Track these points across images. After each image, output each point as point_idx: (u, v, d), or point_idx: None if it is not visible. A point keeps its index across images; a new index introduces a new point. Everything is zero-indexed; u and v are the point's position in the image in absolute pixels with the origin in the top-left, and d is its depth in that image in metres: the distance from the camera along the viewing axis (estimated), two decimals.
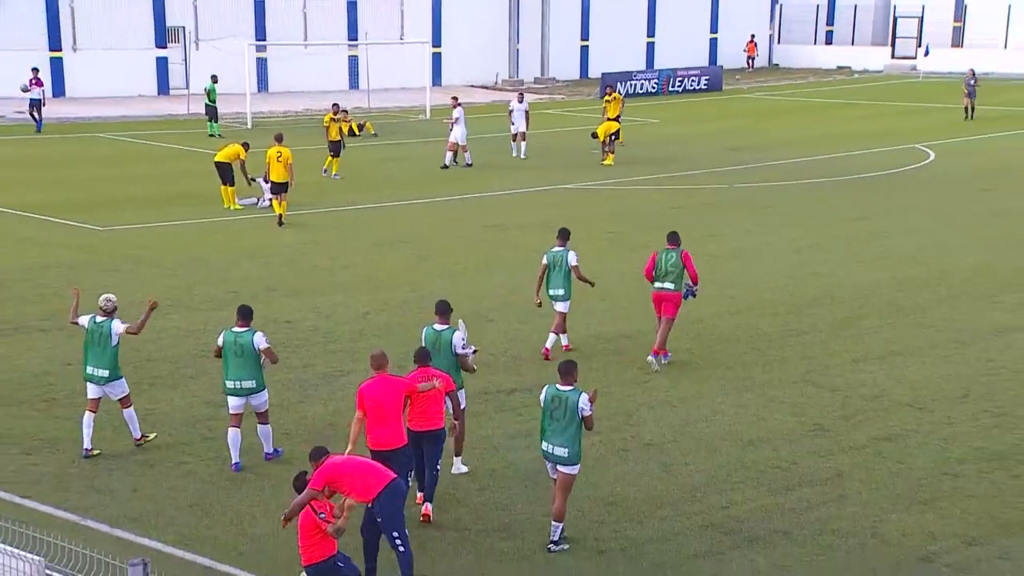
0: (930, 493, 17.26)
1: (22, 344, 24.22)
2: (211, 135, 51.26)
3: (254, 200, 37.21)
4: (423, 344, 17.32)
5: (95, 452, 18.50)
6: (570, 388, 15.33)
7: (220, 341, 18.08)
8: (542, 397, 15.64)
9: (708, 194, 40.65)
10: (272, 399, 19.02)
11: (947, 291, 27.83)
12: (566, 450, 15.32)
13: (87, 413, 18.52)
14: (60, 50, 65.60)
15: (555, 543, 15.53)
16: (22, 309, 26.57)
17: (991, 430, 19.63)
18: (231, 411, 18.14)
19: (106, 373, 18.33)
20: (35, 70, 54.34)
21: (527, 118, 47.68)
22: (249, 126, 52.61)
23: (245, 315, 18.17)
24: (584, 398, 15.18)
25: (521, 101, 48.24)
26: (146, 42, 67.51)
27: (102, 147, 51.27)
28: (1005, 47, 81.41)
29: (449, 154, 44.94)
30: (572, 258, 23.09)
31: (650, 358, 22.65)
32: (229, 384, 18.01)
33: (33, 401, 21.06)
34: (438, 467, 16.69)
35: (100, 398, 18.56)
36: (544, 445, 15.53)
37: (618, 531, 16.07)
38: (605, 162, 46.08)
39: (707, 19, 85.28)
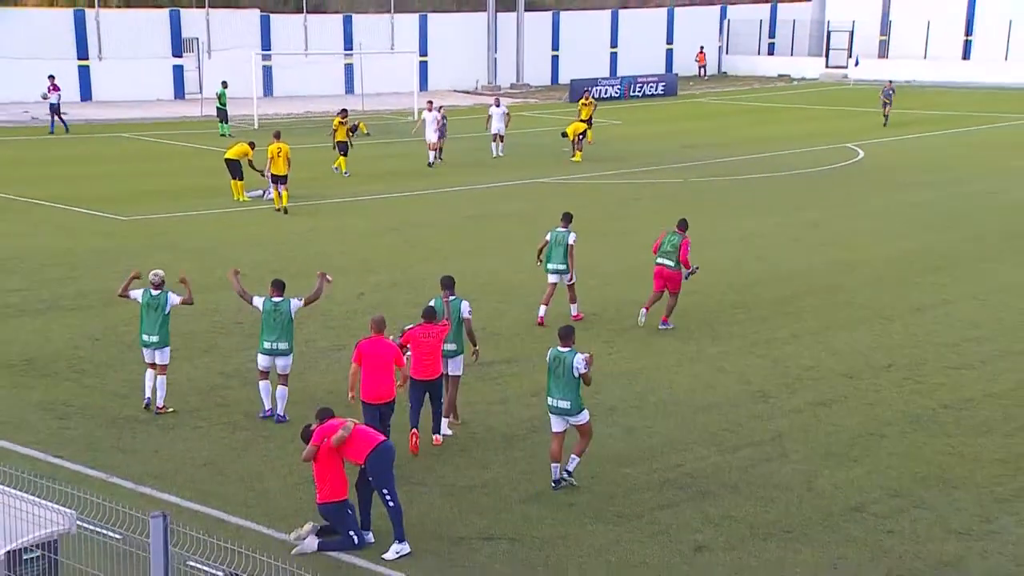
0: (859, 451, 17.44)
1: (55, 321, 24.20)
2: (222, 135, 51.08)
3: (260, 192, 37.17)
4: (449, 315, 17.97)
5: (168, 409, 18.93)
6: (568, 349, 15.89)
7: (260, 306, 18.59)
8: (547, 358, 16.12)
9: (665, 187, 40.72)
10: (299, 348, 19.25)
11: (874, 273, 27.98)
12: (568, 402, 15.86)
13: (148, 370, 19.01)
14: (87, 59, 65.22)
15: (568, 474, 16.16)
16: (55, 289, 26.54)
17: (912, 396, 19.81)
18: (260, 368, 18.68)
19: (156, 339, 18.70)
20: (51, 77, 53.87)
21: (507, 120, 47.55)
22: (256, 127, 52.41)
23: (279, 287, 18.72)
24: (579, 358, 15.72)
25: (498, 106, 47.96)
26: (164, 52, 67.14)
27: (125, 146, 51.09)
28: (925, 57, 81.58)
29: (431, 152, 44.69)
30: (571, 238, 23.67)
31: (641, 315, 23.64)
32: (266, 344, 18.46)
33: (65, 372, 21.08)
34: (442, 402, 17.81)
35: (165, 363, 19.00)
36: (549, 400, 16.06)
37: (585, 486, 16.17)
38: (574, 159, 45.95)
39: (663, 32, 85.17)
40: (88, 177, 41.84)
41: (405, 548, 14.19)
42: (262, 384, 18.73)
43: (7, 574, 9.42)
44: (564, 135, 47.18)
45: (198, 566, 9.77)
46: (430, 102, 46.39)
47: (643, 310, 23.74)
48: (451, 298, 18.24)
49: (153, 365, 18.94)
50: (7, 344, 22.57)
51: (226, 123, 52.64)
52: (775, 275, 27.28)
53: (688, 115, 63.81)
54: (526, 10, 77.43)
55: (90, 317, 24.44)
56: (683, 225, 24.04)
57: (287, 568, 9.50)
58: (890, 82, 60.01)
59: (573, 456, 16.27)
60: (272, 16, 70.93)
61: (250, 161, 36.66)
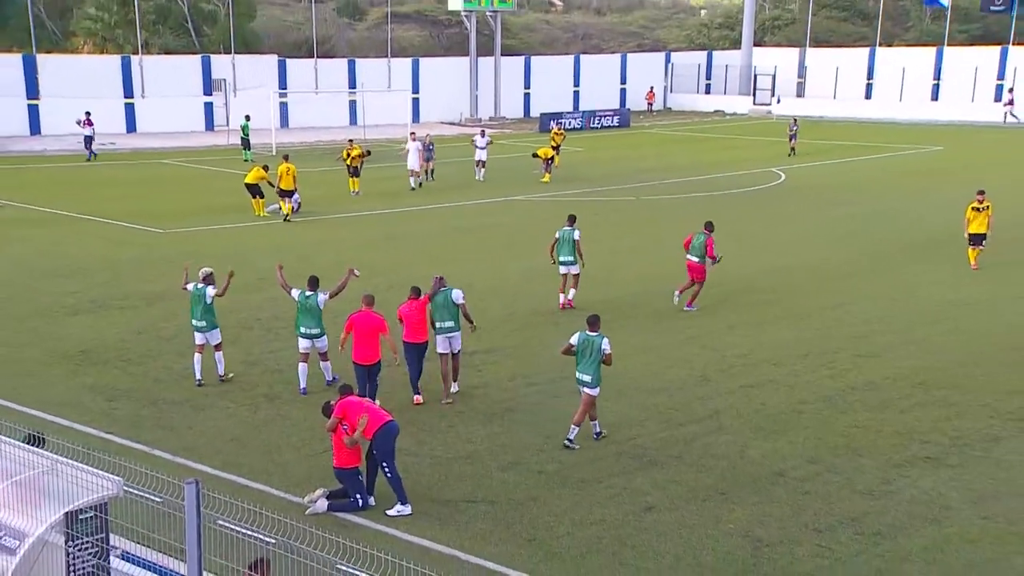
0: (781, 426, 17.52)
1: (104, 318, 24.16)
2: (245, 160, 50.89)
3: (277, 207, 37.10)
4: (434, 301, 18.69)
5: (202, 382, 19.42)
6: (596, 334, 16.51)
7: (295, 296, 19.20)
8: (575, 340, 16.71)
9: (620, 204, 40.79)
10: (294, 357, 19.20)
11: (797, 277, 28.11)
12: (590, 377, 16.48)
13: (196, 354, 19.50)
14: (132, 97, 65.29)
15: (598, 433, 16.91)
16: (104, 291, 26.52)
17: (825, 379, 19.90)
18: (300, 350, 19.12)
19: (204, 324, 19.32)
20: (87, 113, 53.90)
21: (487, 149, 47.29)
22: (273, 153, 52.19)
23: (313, 283, 19.22)
24: (606, 341, 16.46)
25: (483, 136, 47.66)
26: (196, 91, 67.25)
27: (163, 170, 50.96)
28: (834, 97, 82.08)
29: (412, 178, 44.11)
30: (577, 235, 24.55)
31: (676, 297, 25.02)
32: (302, 329, 19.00)
33: (114, 361, 21.06)
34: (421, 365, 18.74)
35: (204, 344, 19.44)
36: (577, 375, 16.67)
37: (553, 457, 16.22)
38: (544, 180, 46.00)
39: (618, 73, 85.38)
40: (132, 197, 41.80)
41: (407, 509, 14.23)
42: (301, 367, 19.11)
43: (67, 531, 9.45)
44: (535, 155, 47.40)
45: (226, 525, 9.74)
46: (412, 133, 45.96)
47: (677, 292, 25.03)
48: (443, 288, 18.75)
49: (202, 348, 19.47)
50: (65, 338, 22.59)
51: (248, 150, 52.52)
52: (715, 278, 27.26)
53: (639, 144, 63.93)
54: (502, 55, 77.45)
55: (134, 315, 24.47)
56: (709, 227, 25.12)
57: (302, 527, 9.49)
58: (794, 119, 59.81)
59: (573, 427, 16.66)
60: (288, 60, 71.09)
61: (268, 181, 36.92)
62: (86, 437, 16.16)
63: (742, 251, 29.70)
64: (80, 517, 9.50)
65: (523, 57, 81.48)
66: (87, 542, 9.49)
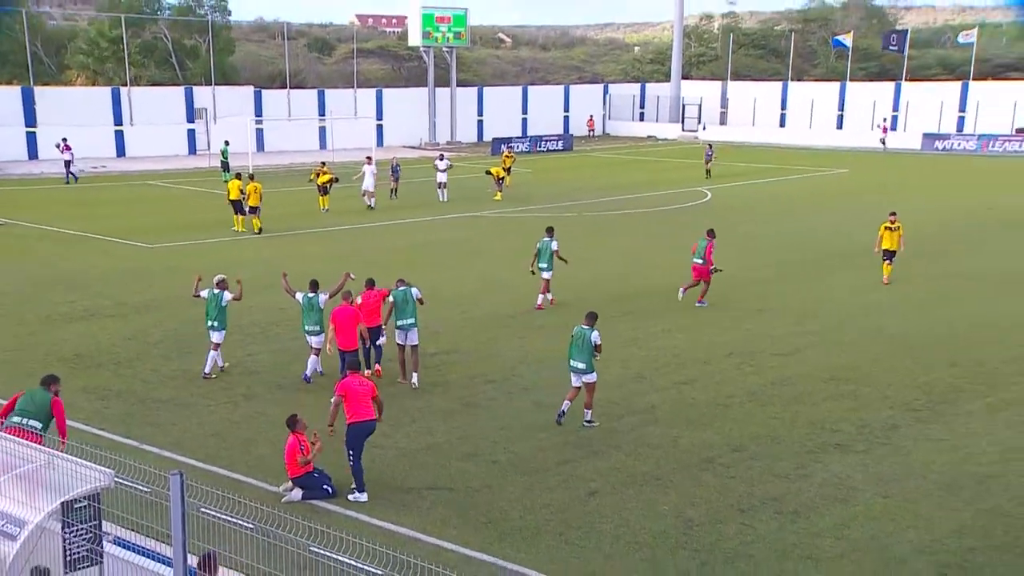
0: (709, 418, 17.60)
1: (97, 325, 23.85)
2: (224, 181, 50.45)
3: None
4: (394, 301, 19.30)
5: (212, 376, 19.78)
6: (588, 327, 16.93)
7: (299, 298, 19.78)
8: (574, 332, 17.17)
9: (563, 218, 40.78)
10: (277, 356, 19.05)
11: (724, 284, 28.16)
12: (583, 364, 16.84)
13: (210, 351, 19.90)
14: (122, 124, 64.86)
15: (588, 422, 17.07)
16: (97, 301, 26.18)
17: (748, 376, 20.01)
18: (313, 346, 19.64)
19: (217, 323, 19.76)
20: (64, 139, 53.45)
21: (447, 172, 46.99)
22: (250, 174, 52.05)
23: (314, 285, 19.80)
24: (595, 334, 16.85)
25: (443, 159, 47.32)
26: (180, 119, 66.91)
27: (150, 191, 50.41)
28: (753, 125, 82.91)
29: (369, 199, 43.26)
30: (555, 245, 25.17)
31: (680, 293, 25.88)
32: (307, 327, 19.62)
33: (106, 364, 20.80)
34: (381, 346, 19.69)
35: (219, 342, 19.91)
36: (571, 362, 17.03)
37: (506, 448, 16.19)
38: (496, 198, 46.01)
39: (561, 102, 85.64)
40: (122, 215, 41.35)
41: (363, 497, 14.17)
42: (312, 358, 19.61)
43: (63, 519, 9.41)
44: (488, 173, 47.57)
45: (209, 512, 9.65)
46: (368, 157, 45.03)
47: (681, 290, 25.89)
48: (403, 287, 19.44)
49: (216, 347, 19.90)
50: (61, 343, 22.29)
51: (227, 172, 51.97)
52: (649, 286, 27.48)
53: (581, 165, 64.15)
54: (458, 86, 77.52)
55: (124, 322, 24.16)
56: (711, 233, 26.11)
57: (278, 513, 9.42)
58: (710, 144, 59.75)
59: (586, 411, 17.10)
60: (263, 91, 70.83)
61: (241, 190, 36.97)
62: (80, 434, 15.92)
63: (673, 261, 29.81)
64: (75, 506, 9.46)
65: (476, 88, 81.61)
66: (81, 529, 9.47)
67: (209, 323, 19.83)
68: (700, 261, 25.58)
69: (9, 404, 13.55)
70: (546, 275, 25.23)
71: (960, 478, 15.03)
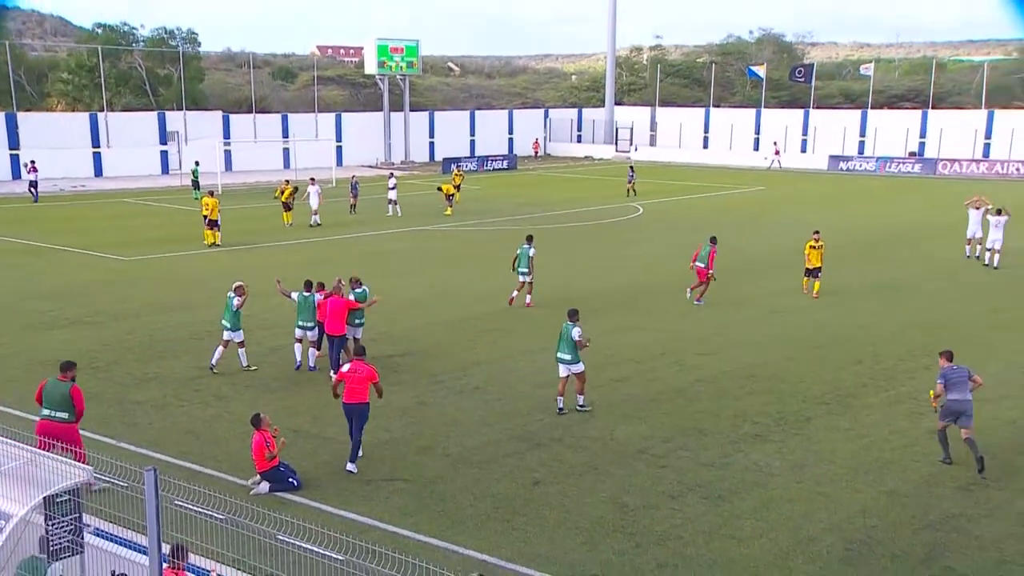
0: (643, 412, 17.67)
1: (77, 332, 23.42)
2: (195, 198, 49.91)
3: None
4: (355, 300, 19.87)
5: (216, 371, 19.96)
6: (571, 324, 17.30)
7: (295, 297, 20.14)
8: (562, 328, 17.51)
9: (509, 232, 40.85)
10: (238, 363, 18.83)
11: (653, 290, 28.43)
12: (569, 356, 17.27)
13: (219, 347, 20.09)
14: (99, 147, 63.84)
15: (582, 407, 17.59)
16: (76, 310, 25.70)
17: (676, 374, 20.14)
18: (296, 338, 20.23)
19: (229, 325, 19.91)
20: (32, 161, 52.69)
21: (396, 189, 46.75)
22: (219, 193, 51.43)
23: (308, 285, 20.11)
24: (575, 330, 17.20)
25: (392, 178, 47.29)
26: (153, 141, 66.02)
27: (126, 208, 49.60)
28: (679, 146, 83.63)
29: (313, 216, 42.11)
30: (532, 252, 25.87)
31: (688, 293, 26.85)
32: (300, 322, 19.99)
33: (85, 368, 20.24)
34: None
35: (229, 340, 19.97)
36: (558, 354, 17.50)
37: (457, 442, 16.13)
38: (446, 213, 45.88)
39: (506, 125, 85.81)
40: (100, 230, 40.68)
41: (352, 467, 14.70)
42: (298, 346, 20.20)
43: (45, 513, 9.31)
44: (439, 189, 47.45)
45: (183, 504, 9.53)
46: (312, 179, 44.13)
47: (689, 290, 26.89)
48: (358, 289, 20.13)
49: (227, 344, 19.97)
50: (43, 349, 21.84)
51: (198, 190, 51.39)
52: (589, 290, 27.56)
53: (525, 183, 64.25)
54: (411, 110, 77.19)
55: (102, 329, 23.75)
56: (713, 240, 26.94)
57: (247, 505, 9.30)
58: (631, 167, 58.83)
59: (579, 396, 17.57)
60: (231, 115, 70.05)
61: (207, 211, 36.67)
62: None
63: (610, 269, 29.99)
64: (57, 500, 9.38)
65: (428, 112, 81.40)
66: (63, 522, 9.37)
67: (223, 323, 20.13)
68: (703, 265, 26.34)
69: (38, 392, 13.90)
70: (523, 278, 25.87)
71: (864, 464, 15.26)
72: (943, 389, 15.12)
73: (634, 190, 54.85)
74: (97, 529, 10.05)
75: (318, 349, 20.35)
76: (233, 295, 19.91)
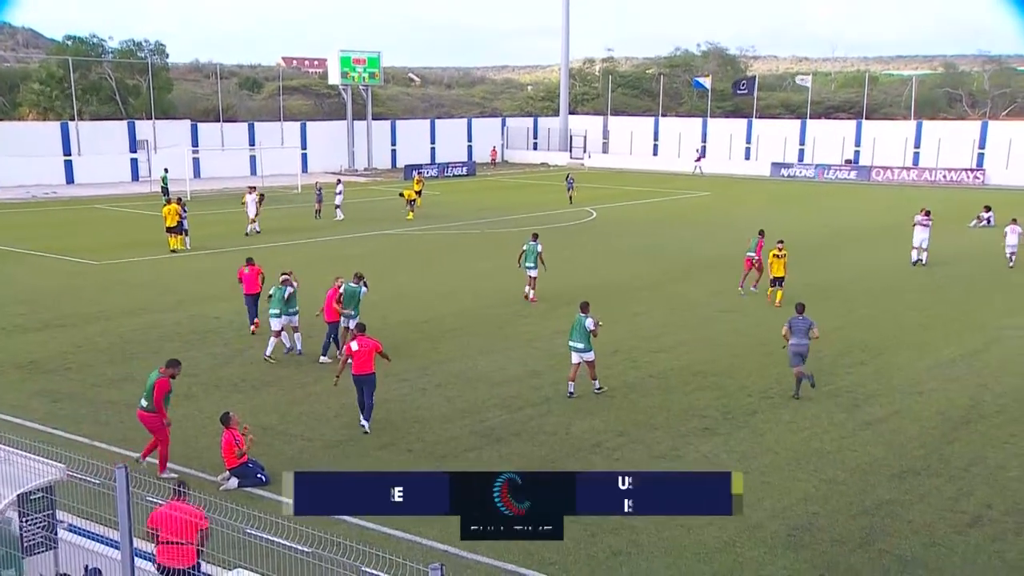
0: (595, 408, 17.75)
1: (49, 335, 23.05)
2: (164, 205, 49.26)
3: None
4: (344, 294, 20.47)
5: (273, 359, 20.62)
6: (584, 315, 18.01)
7: (272, 291, 20.82)
8: (575, 319, 18.14)
9: (469, 235, 40.91)
10: (213, 359, 18.59)
11: (606, 290, 28.48)
12: (582, 345, 17.96)
13: (271, 338, 20.80)
14: (71, 155, 62.92)
15: (599, 389, 18.39)
16: (50, 312, 25.32)
17: (629, 371, 20.26)
18: (273, 328, 20.63)
19: (288, 311, 20.80)
20: None
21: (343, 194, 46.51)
22: (188, 199, 50.83)
23: (286, 280, 20.88)
24: (589, 320, 17.87)
25: (339, 183, 47.07)
26: (123, 149, 65.15)
27: (97, 214, 48.86)
28: (631, 154, 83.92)
29: (249, 225, 40.24)
30: (539, 247, 26.77)
31: (740, 289, 27.92)
32: (274, 311, 20.52)
33: (57, 369, 20.12)
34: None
35: (282, 328, 20.74)
36: (570, 343, 18.22)
37: (420, 437, 16.12)
38: (408, 217, 45.73)
39: (465, 133, 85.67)
40: (72, 235, 40.07)
41: (365, 424, 16.13)
42: (273, 340, 20.71)
43: (19, 509, 9.20)
44: (401, 195, 47.40)
45: (154, 501, 9.43)
46: (251, 187, 42.52)
47: (744, 284, 27.99)
48: (353, 284, 20.71)
49: (278, 334, 20.72)
50: (16, 351, 21.51)
51: (167, 196, 50.70)
52: (545, 291, 27.59)
53: (483, 189, 64.23)
54: (373, 119, 76.93)
55: (74, 332, 23.39)
56: (761, 233, 28.28)
57: (217, 501, 9.22)
58: (569, 175, 57.77)
59: (593, 381, 18.28)
60: (199, 124, 69.26)
61: (179, 214, 35.87)
62: (35, 432, 15.43)
63: (565, 270, 30.07)
64: (31, 498, 9.28)
65: (390, 121, 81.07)
66: (37, 518, 9.28)
67: (272, 313, 20.67)
68: (751, 254, 27.79)
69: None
70: (532, 272, 26.60)
71: (805, 454, 15.46)
72: (788, 332, 18.35)
73: (572, 198, 53.89)
74: (70, 525, 9.95)
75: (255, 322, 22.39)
76: (284, 286, 20.66)
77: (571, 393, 18.11)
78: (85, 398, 18.20)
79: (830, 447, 15.79)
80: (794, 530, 12.70)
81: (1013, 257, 33.35)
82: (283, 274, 21.33)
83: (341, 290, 20.51)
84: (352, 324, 19.57)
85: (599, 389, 18.36)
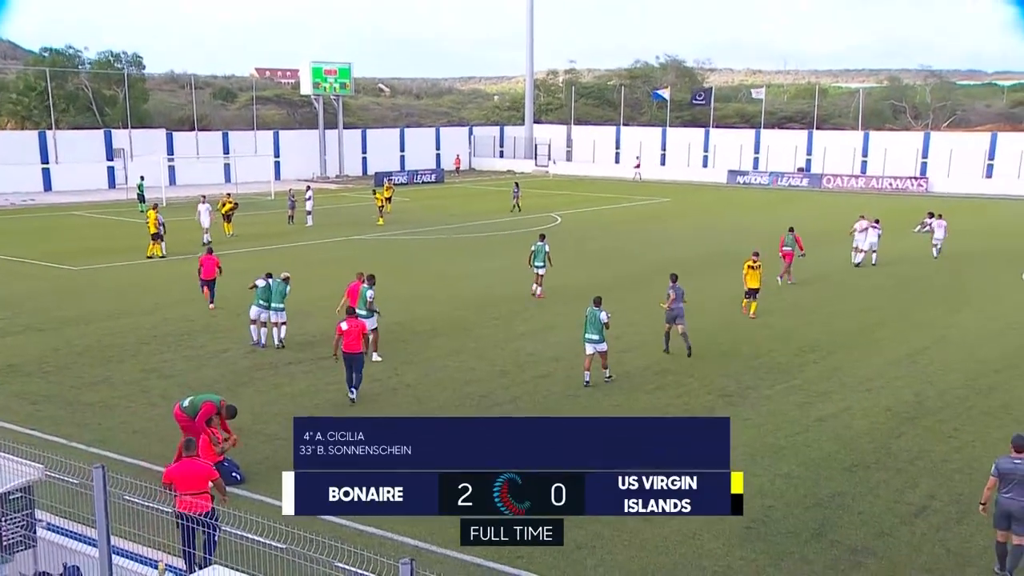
0: (563, 406, 17.78)
1: (28, 339, 22.73)
2: (141, 211, 48.61)
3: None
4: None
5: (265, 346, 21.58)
6: (598, 308, 18.69)
7: (260, 283, 21.66)
8: (587, 312, 18.88)
9: (437, 240, 40.83)
10: (188, 362, 18.38)
11: (572, 291, 28.48)
12: (597, 336, 18.65)
13: (255, 328, 21.82)
14: (48, 163, 62.09)
15: (608, 378, 19.10)
16: (28, 317, 24.98)
17: (594, 371, 20.19)
18: (252, 317, 21.71)
19: (278, 306, 21.73)
20: None
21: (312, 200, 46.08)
22: (164, 206, 50.28)
23: (267, 276, 21.92)
24: (604, 313, 18.62)
25: (308, 190, 46.80)
26: (100, 157, 64.36)
27: (75, 221, 48.19)
28: (593, 161, 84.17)
29: (205, 235, 38.52)
30: (547, 247, 27.73)
31: (779, 280, 29.16)
32: (258, 304, 21.50)
33: (36, 372, 19.84)
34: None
35: (272, 320, 21.68)
36: (586, 335, 18.83)
37: None
38: (379, 223, 45.60)
39: (434, 142, 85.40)
40: (49, 241, 39.54)
41: (352, 394, 17.41)
42: (253, 328, 21.65)
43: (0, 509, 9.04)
44: (373, 192, 47.68)
45: (132, 500, 9.32)
46: (203, 196, 41.82)
47: (779, 277, 29.31)
48: (362, 286, 20.84)
49: (264, 324, 21.72)
50: None
51: (143, 203, 50.07)
52: (511, 295, 27.63)
53: (451, 196, 64.13)
54: (344, 128, 76.58)
55: (53, 336, 23.06)
56: (792, 229, 30.02)
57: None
58: (516, 184, 56.09)
59: (604, 369, 18.99)
60: (174, 133, 68.63)
61: (158, 217, 35.39)
62: (14, 434, 15.19)
63: (528, 274, 30.06)
64: (10, 498, 9.15)
65: (360, 130, 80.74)
66: (16, 517, 9.14)
67: (274, 306, 21.53)
68: (789, 249, 29.33)
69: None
70: (540, 271, 27.43)
71: (761, 449, 15.57)
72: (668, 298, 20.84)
73: (519, 206, 52.34)
74: (49, 524, 9.84)
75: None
76: (281, 281, 21.59)
77: (587, 382, 18.77)
78: (64, 400, 17.94)
79: (784, 442, 15.93)
80: (751, 523, 12.78)
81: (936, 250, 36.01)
82: (282, 274, 22.36)
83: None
84: (371, 326, 20.28)
85: (609, 378, 19.05)
